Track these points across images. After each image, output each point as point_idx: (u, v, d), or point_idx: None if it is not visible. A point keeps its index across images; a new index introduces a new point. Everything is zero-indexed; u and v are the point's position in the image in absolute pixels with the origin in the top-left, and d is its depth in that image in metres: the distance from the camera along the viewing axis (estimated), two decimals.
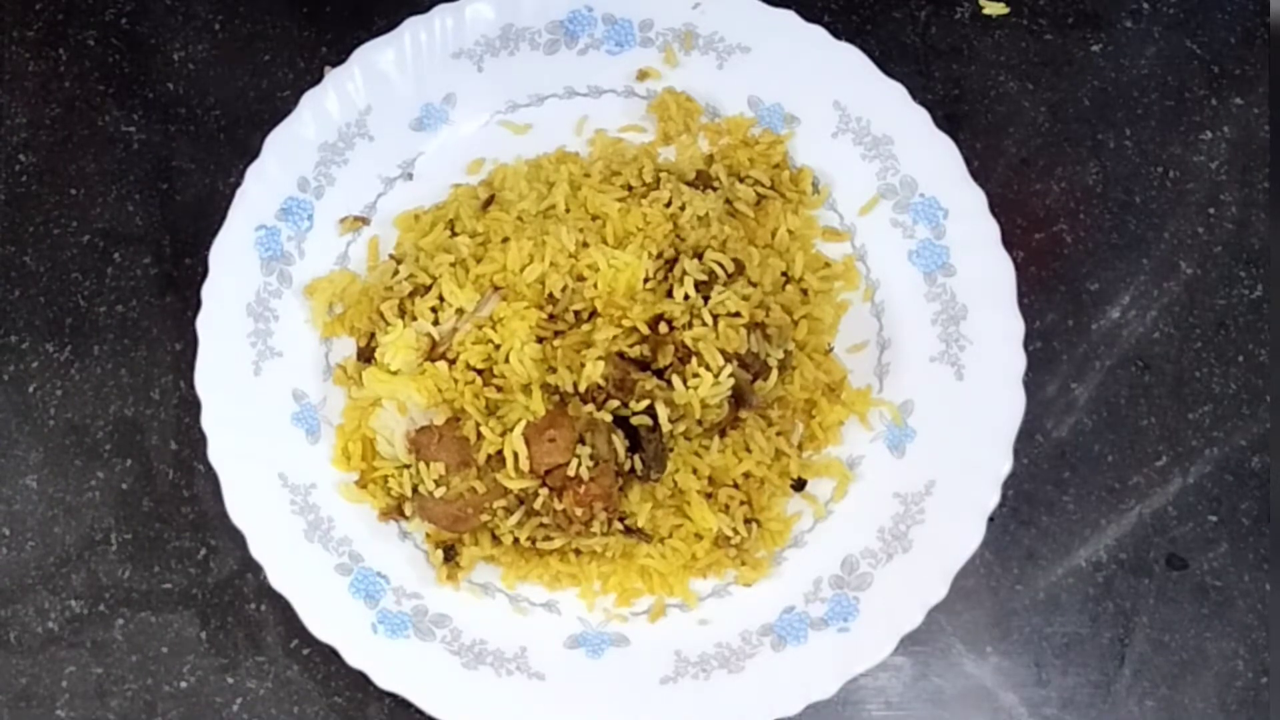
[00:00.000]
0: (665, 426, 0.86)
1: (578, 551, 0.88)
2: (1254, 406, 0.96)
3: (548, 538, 0.88)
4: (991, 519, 0.87)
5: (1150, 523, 0.94)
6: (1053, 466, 0.95)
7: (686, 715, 0.85)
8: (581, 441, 0.86)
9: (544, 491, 0.86)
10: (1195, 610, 0.92)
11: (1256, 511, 0.94)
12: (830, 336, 0.93)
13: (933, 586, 0.86)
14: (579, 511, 0.86)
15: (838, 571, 0.88)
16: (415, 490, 0.87)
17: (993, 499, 0.87)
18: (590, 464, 0.85)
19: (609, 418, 0.87)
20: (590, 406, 0.86)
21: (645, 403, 0.86)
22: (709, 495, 0.89)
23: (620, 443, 0.87)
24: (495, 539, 0.89)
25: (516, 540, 0.88)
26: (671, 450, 0.88)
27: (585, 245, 0.89)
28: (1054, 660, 0.91)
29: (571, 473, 0.85)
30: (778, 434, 0.90)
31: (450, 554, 0.88)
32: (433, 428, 0.88)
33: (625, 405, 0.86)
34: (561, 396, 0.87)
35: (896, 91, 0.95)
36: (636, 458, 0.87)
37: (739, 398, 0.88)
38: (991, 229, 0.92)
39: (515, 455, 0.85)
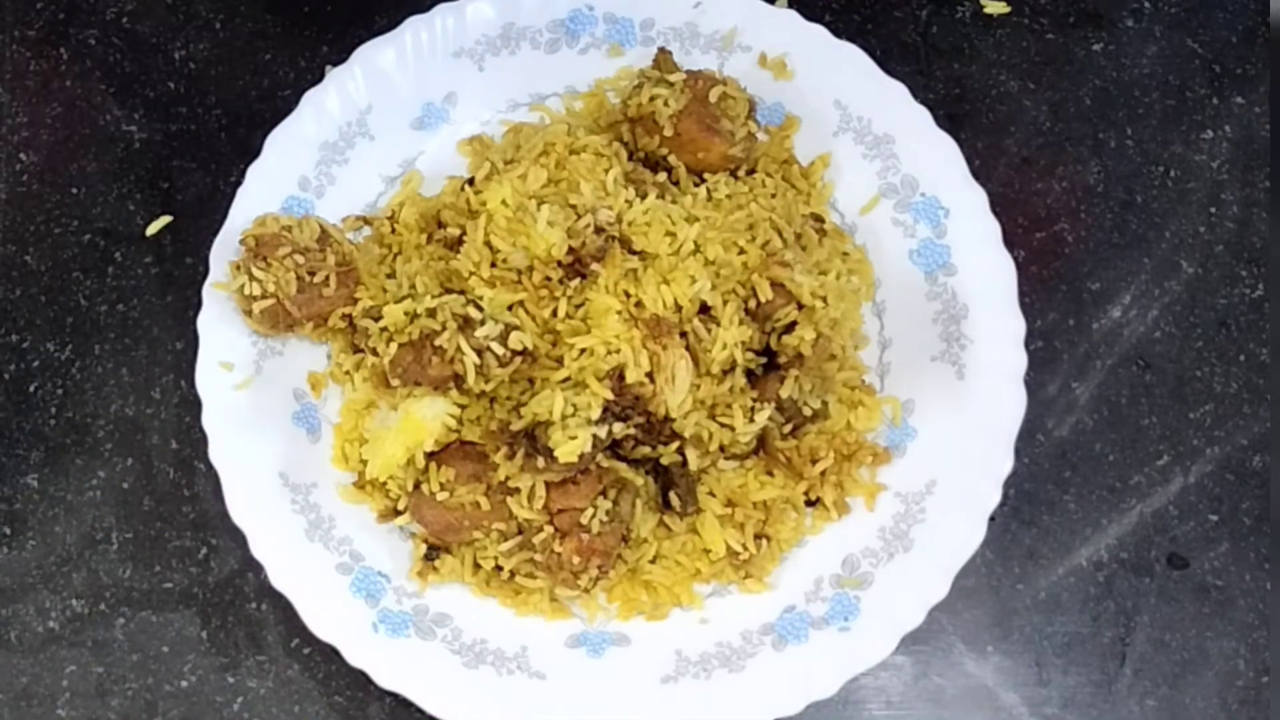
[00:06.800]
0: (694, 465, 0.87)
1: (552, 597, 0.88)
2: (1255, 406, 0.96)
3: (531, 575, 0.87)
4: (992, 518, 0.87)
5: (1151, 522, 0.94)
6: (1054, 466, 0.95)
7: (687, 714, 0.85)
8: (604, 495, 0.85)
9: (549, 529, 0.85)
10: (1196, 609, 0.92)
11: (1258, 511, 0.94)
12: (857, 327, 0.93)
13: (934, 585, 0.86)
14: (576, 560, 0.85)
15: (838, 571, 0.88)
16: (417, 486, 0.87)
17: (994, 498, 0.87)
18: (605, 519, 0.85)
19: (641, 480, 0.87)
20: (625, 466, 0.86)
21: (675, 445, 0.86)
22: (725, 514, 0.89)
23: (652, 493, 0.88)
24: (476, 564, 0.88)
25: (499, 569, 0.88)
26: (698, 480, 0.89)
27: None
28: (1055, 659, 0.91)
29: (584, 521, 0.85)
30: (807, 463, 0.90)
31: (433, 555, 0.88)
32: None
33: (654, 449, 0.86)
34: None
35: (897, 91, 0.95)
36: (673, 494, 0.87)
37: (763, 440, 0.88)
38: (992, 228, 0.92)
39: (533, 487, 0.85)
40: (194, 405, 0.89)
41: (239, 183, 0.93)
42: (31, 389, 0.96)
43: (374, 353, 0.85)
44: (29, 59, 1.03)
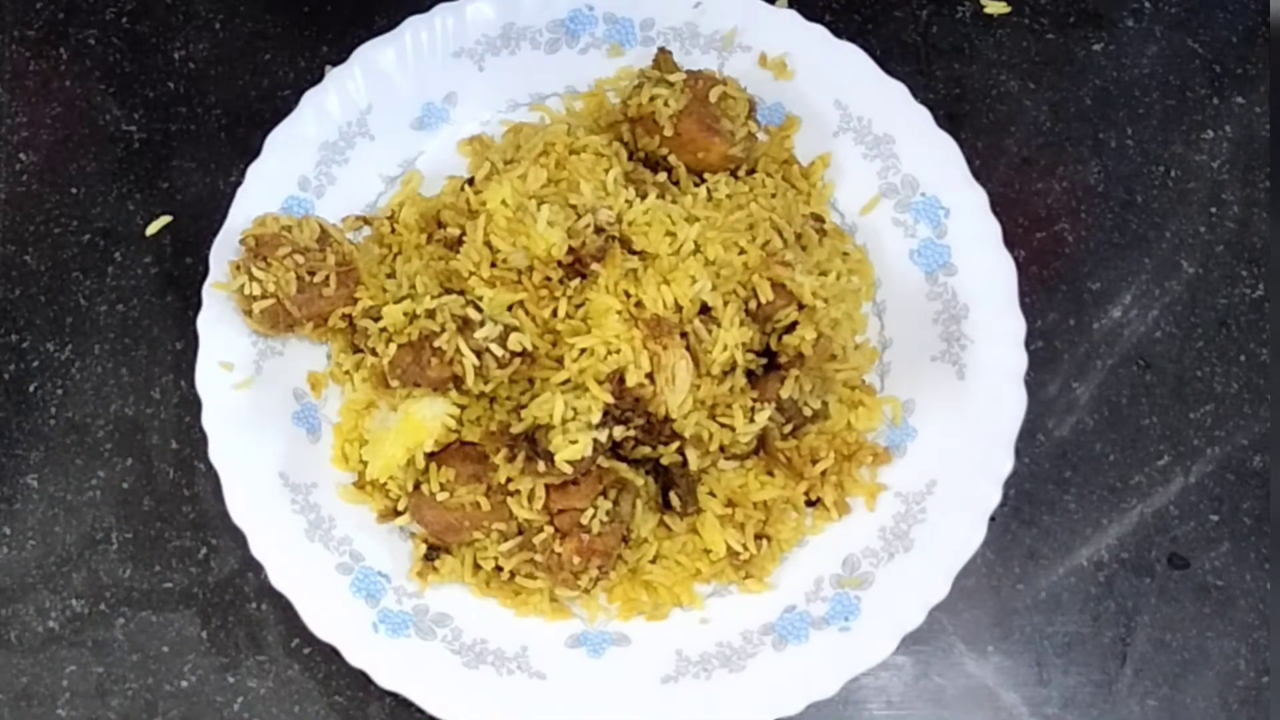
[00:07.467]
0: (694, 465, 0.87)
1: (552, 598, 0.88)
2: (1255, 406, 0.96)
3: (531, 575, 0.87)
4: (993, 518, 0.87)
5: (1152, 522, 0.94)
6: (1054, 466, 0.95)
7: (688, 714, 0.85)
8: (604, 495, 0.85)
9: (549, 529, 0.85)
10: (1197, 609, 0.92)
11: (1258, 511, 0.94)
12: (859, 330, 0.93)
13: (934, 586, 0.86)
14: (576, 560, 0.84)
15: (839, 571, 0.88)
16: (417, 486, 0.87)
17: (994, 498, 0.87)
18: (605, 519, 0.85)
19: (641, 481, 0.87)
20: (625, 467, 0.86)
21: (675, 445, 0.86)
22: (725, 514, 0.89)
23: (652, 493, 0.88)
24: (476, 565, 0.88)
25: (499, 569, 0.88)
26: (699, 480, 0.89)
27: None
28: (1055, 659, 0.91)
29: (585, 521, 0.84)
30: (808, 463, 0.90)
31: (433, 555, 0.88)
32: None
33: (655, 449, 0.86)
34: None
35: (898, 90, 0.95)
36: (673, 494, 0.87)
37: (763, 440, 0.88)
38: (993, 228, 0.92)
39: (533, 489, 0.85)
40: (194, 405, 0.89)
41: (239, 183, 0.93)
42: (31, 389, 0.96)
43: (374, 353, 0.85)
44: (29, 59, 1.03)
